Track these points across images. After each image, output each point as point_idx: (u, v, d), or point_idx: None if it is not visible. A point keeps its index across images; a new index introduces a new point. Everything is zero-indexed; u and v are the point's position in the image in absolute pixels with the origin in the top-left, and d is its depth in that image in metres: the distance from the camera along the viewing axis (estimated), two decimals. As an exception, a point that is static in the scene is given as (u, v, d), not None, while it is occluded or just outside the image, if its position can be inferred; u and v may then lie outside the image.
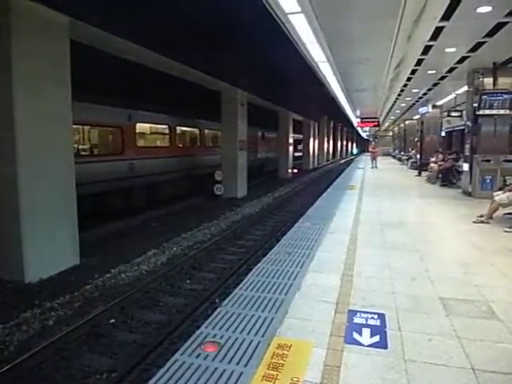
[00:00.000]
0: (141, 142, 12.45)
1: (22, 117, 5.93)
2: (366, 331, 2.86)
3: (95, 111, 10.18)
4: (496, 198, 6.62)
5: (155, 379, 2.29)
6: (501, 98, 9.08)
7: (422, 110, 16.77)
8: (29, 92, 6.03)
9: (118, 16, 6.61)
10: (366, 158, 31.17)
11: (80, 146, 10.08)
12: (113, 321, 5.02)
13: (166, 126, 14.02)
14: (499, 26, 6.28)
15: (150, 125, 13.31)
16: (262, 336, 2.76)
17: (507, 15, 5.79)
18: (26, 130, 6.01)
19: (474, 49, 7.76)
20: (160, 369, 2.44)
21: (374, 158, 22.48)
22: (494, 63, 9.03)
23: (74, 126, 7.77)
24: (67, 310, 5.29)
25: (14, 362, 3.92)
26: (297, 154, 31.12)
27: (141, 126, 12.40)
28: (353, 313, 3.15)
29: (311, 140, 32.20)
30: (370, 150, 26.59)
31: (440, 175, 12.93)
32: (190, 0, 6.29)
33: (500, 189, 7.48)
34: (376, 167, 20.81)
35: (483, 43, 7.32)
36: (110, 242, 8.55)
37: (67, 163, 6.85)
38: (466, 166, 10.17)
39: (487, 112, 9.22)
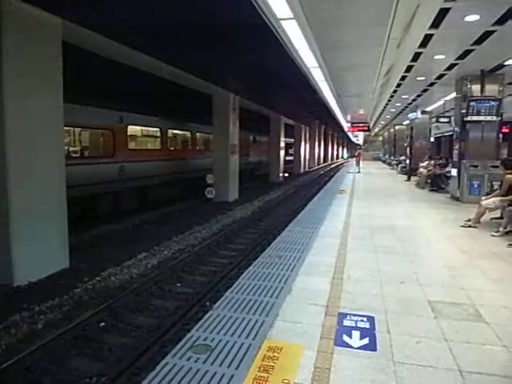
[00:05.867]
0: (132, 145, 12.41)
1: (13, 118, 5.87)
2: (356, 334, 2.89)
3: (86, 113, 10.14)
4: (483, 203, 6.74)
5: (146, 382, 2.29)
6: (488, 104, 9.25)
7: (411, 115, 17.00)
8: (20, 93, 5.97)
9: (110, 18, 6.60)
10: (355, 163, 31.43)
11: (71, 148, 10.01)
12: (102, 324, 4.98)
13: (157, 129, 14.00)
14: (487, 34, 6.42)
15: (142, 127, 13.28)
16: (253, 339, 2.77)
17: (494, 24, 5.93)
18: (17, 132, 5.96)
19: (463, 56, 7.91)
20: (150, 372, 2.44)
21: (357, 163, 23.23)
22: (482, 70, 9.20)
23: (65, 128, 7.71)
24: (56, 314, 5.24)
25: (2, 366, 3.87)
26: (288, 158, 31.24)
27: (132, 129, 12.36)
28: (343, 315, 3.19)
29: (302, 144, 32.36)
30: (355, 155, 28.17)
31: (429, 180, 13.11)
32: (183, 3, 6.31)
33: (487, 194, 7.60)
34: (359, 172, 21.09)
35: (471, 51, 7.46)
36: (101, 245, 8.50)
37: (58, 165, 6.80)
38: (454, 172, 10.32)
39: (475, 118, 9.38)
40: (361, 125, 25.07)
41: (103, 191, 10.77)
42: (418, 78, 10.44)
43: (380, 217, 7.81)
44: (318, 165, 42.32)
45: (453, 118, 11.63)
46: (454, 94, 10.78)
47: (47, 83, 6.50)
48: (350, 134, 44.38)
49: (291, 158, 33.10)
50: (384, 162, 32.79)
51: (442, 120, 14.69)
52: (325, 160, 49.37)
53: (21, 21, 5.91)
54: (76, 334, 4.65)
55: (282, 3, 5.28)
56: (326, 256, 4.91)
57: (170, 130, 14.82)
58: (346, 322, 3.07)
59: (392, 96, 14.10)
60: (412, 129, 17.38)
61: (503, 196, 6.54)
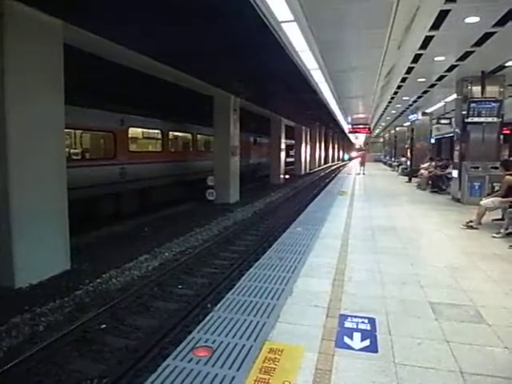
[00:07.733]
0: (133, 147, 12.43)
1: (14, 121, 5.90)
2: (357, 335, 2.89)
3: (87, 115, 10.16)
4: (482, 203, 6.74)
5: (147, 384, 2.30)
6: (489, 106, 9.25)
7: (412, 117, 16.97)
8: (21, 95, 6.00)
9: (111, 20, 6.62)
10: (355, 165, 31.43)
11: (72, 151, 10.02)
12: (104, 326, 4.98)
13: (158, 131, 14.02)
14: (487, 35, 6.42)
15: (143, 129, 13.30)
16: (254, 340, 2.78)
17: (494, 25, 5.93)
18: (18, 134, 5.98)
19: (463, 58, 7.91)
20: (152, 374, 2.44)
21: (361, 164, 22.88)
22: (483, 72, 9.19)
23: (66, 130, 7.73)
24: (58, 316, 5.24)
25: (4, 368, 3.88)
26: (289, 160, 31.24)
27: (133, 131, 12.39)
28: (344, 317, 3.19)
29: (303, 146, 32.37)
30: (360, 156, 28.07)
31: (430, 182, 13.10)
32: (183, 6, 6.34)
33: (488, 195, 7.59)
34: (363, 173, 20.97)
35: (472, 52, 7.47)
36: (102, 247, 8.50)
37: (59, 168, 6.81)
38: (455, 173, 10.32)
39: (475, 120, 9.38)
40: (362, 126, 25.03)
41: (104, 193, 10.77)
42: (419, 80, 10.44)
43: (381, 218, 7.80)
44: (319, 166, 42.34)
45: (453, 120, 11.63)
46: (454, 96, 10.78)
47: (48, 85, 6.52)
48: (350, 135, 44.44)
49: (292, 159, 33.11)
50: (385, 163, 32.76)
51: (442, 121, 14.67)
52: (325, 162, 49.41)
53: (22, 23, 5.93)
54: (77, 335, 4.65)
55: (282, 5, 5.29)
56: (327, 257, 4.91)
57: (170, 132, 14.83)
58: (347, 324, 3.07)
59: (393, 97, 14.10)
60: (413, 130, 17.39)
61: (503, 197, 6.53)
